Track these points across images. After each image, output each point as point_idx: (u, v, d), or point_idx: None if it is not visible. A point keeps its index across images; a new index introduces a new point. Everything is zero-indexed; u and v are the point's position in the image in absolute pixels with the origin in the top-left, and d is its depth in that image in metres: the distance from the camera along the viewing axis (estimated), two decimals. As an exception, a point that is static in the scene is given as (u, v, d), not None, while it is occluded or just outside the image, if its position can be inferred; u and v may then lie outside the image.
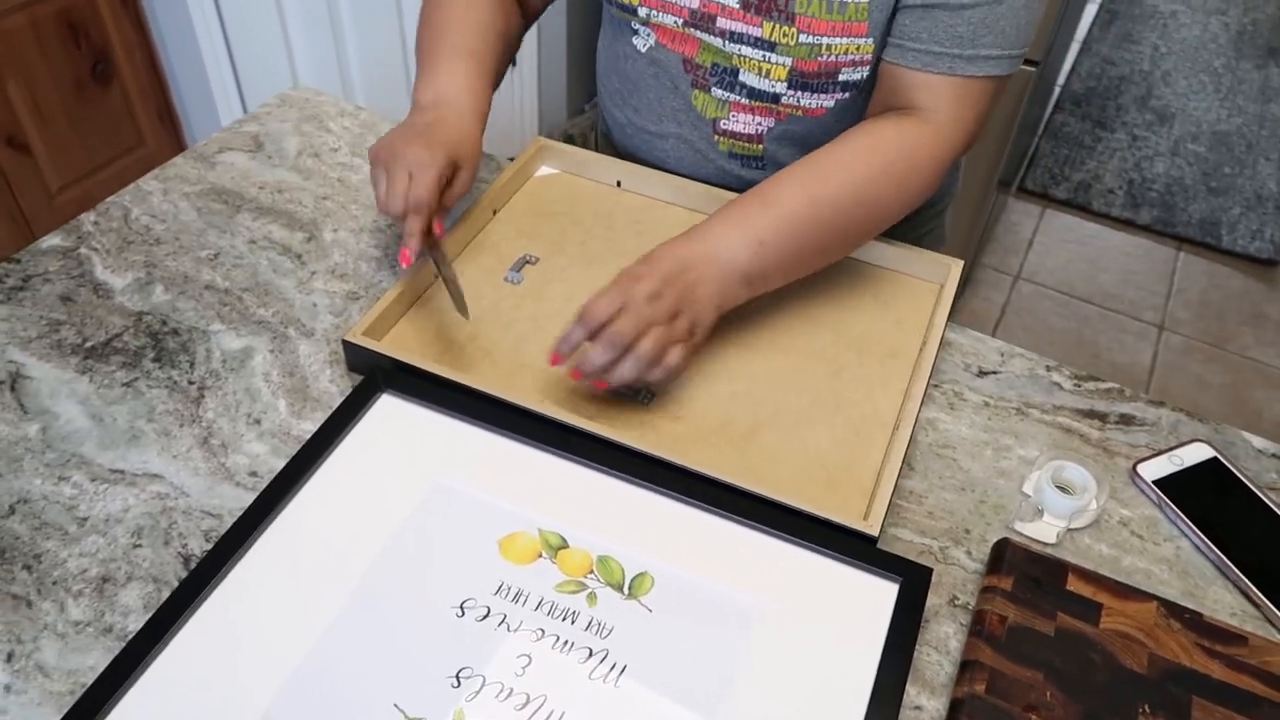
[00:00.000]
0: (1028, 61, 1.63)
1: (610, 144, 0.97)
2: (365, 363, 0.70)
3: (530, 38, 2.19)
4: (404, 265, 0.71)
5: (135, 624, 0.58)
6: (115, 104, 1.89)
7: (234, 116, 1.98)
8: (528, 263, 0.80)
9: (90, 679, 0.55)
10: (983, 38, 0.71)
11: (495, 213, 0.85)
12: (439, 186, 0.71)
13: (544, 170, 0.90)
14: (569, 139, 2.28)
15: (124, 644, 0.55)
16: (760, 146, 0.84)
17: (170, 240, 0.83)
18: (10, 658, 0.56)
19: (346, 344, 0.70)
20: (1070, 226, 2.43)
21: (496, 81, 0.83)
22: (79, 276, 0.79)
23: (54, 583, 0.60)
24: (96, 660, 0.56)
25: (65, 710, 0.53)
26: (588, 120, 2.31)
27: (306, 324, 0.76)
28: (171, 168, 0.90)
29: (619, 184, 0.89)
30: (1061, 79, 2.83)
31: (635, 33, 0.83)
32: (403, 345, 0.73)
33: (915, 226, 0.93)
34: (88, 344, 0.74)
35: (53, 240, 0.82)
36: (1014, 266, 2.30)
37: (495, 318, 0.75)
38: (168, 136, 2.04)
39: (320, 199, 0.88)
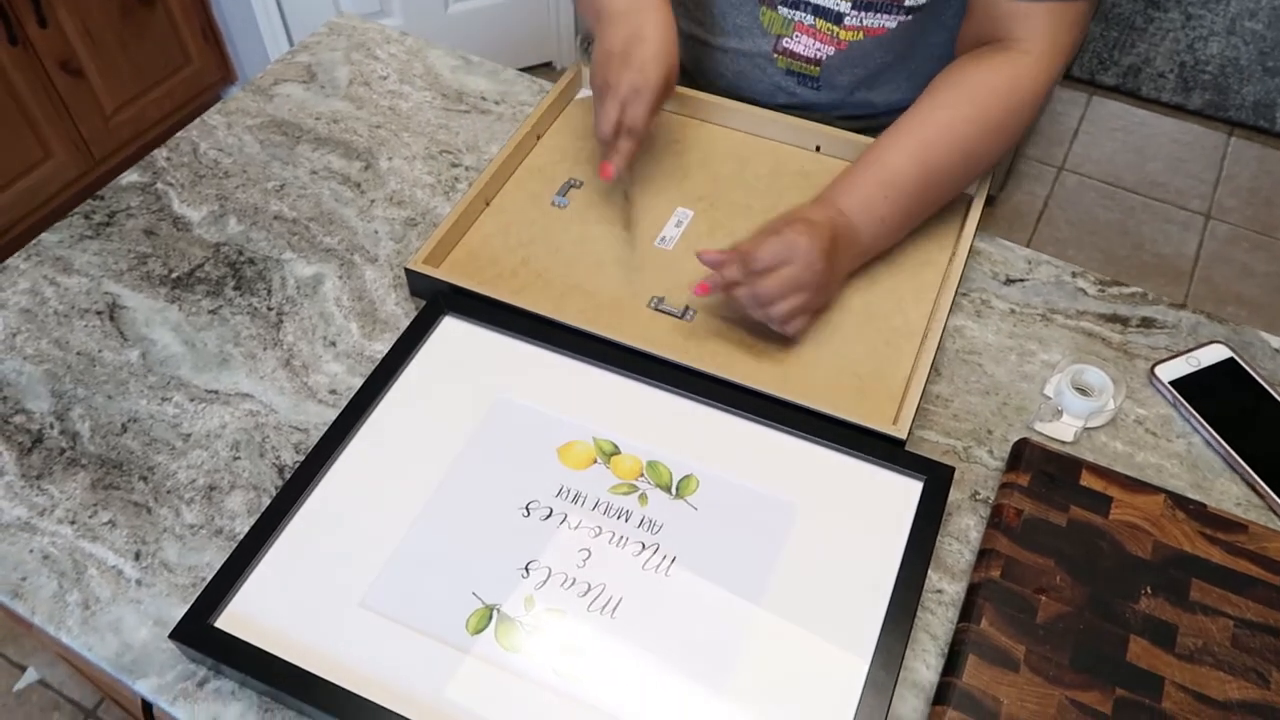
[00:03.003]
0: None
1: None
2: (427, 288, 0.76)
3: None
4: (604, 178, 0.77)
5: (242, 526, 0.66)
6: (160, 24, 1.93)
7: (273, 26, 2.00)
8: (573, 186, 0.85)
9: (208, 574, 0.63)
10: None
11: (539, 138, 0.88)
12: (655, 110, 0.75)
13: (584, 93, 0.93)
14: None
15: (235, 543, 0.63)
16: (817, 68, 0.87)
17: (238, 173, 0.88)
18: (139, 556, 0.64)
19: (408, 271, 0.75)
20: (1117, 114, 2.38)
21: None
22: (159, 211, 0.85)
23: (168, 491, 0.67)
24: (211, 558, 0.64)
25: (190, 600, 0.61)
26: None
27: (370, 250, 0.82)
28: (233, 101, 0.95)
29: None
30: (1114, -44, 2.72)
31: None
32: (460, 270, 0.78)
33: None
34: (174, 275, 0.80)
35: (131, 176, 0.88)
36: (1058, 158, 2.27)
37: (545, 241, 0.80)
38: (212, 53, 2.07)
39: (374, 128, 0.93)
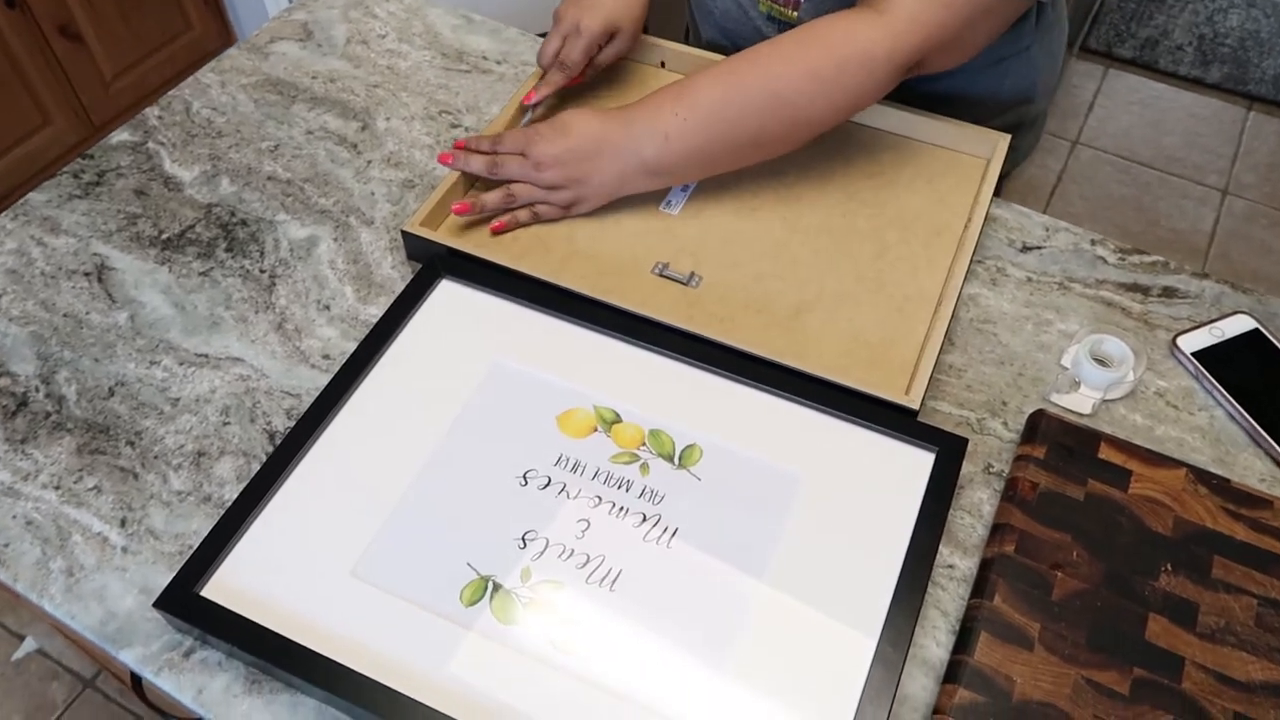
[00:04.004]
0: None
1: None
2: (424, 251, 0.73)
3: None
4: (525, 102, 0.81)
5: (230, 493, 0.64)
6: (160, -12, 1.89)
7: (276, -4, 1.97)
8: (576, 147, 0.82)
9: (195, 542, 0.61)
10: None
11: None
12: (589, 53, 0.81)
13: (589, 52, 0.90)
14: None
15: (223, 510, 0.61)
16: (795, 14, 0.83)
17: (231, 133, 0.86)
18: (124, 523, 0.62)
19: (405, 233, 0.73)
20: (1134, 87, 2.33)
21: None
22: (149, 171, 0.83)
23: (155, 457, 0.65)
24: (199, 525, 0.62)
25: (176, 568, 0.59)
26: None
27: (366, 212, 0.80)
28: (227, 59, 0.92)
29: (662, 64, 0.89)
30: (1134, -75, 2.66)
31: None
32: (459, 233, 0.76)
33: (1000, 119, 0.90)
34: (164, 236, 0.78)
35: (121, 135, 0.85)
36: (1073, 131, 2.23)
37: (546, 203, 0.78)
38: (213, 19, 2.04)
39: (371, 87, 0.90)
